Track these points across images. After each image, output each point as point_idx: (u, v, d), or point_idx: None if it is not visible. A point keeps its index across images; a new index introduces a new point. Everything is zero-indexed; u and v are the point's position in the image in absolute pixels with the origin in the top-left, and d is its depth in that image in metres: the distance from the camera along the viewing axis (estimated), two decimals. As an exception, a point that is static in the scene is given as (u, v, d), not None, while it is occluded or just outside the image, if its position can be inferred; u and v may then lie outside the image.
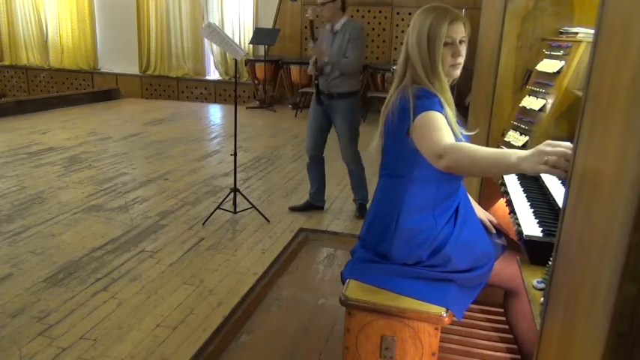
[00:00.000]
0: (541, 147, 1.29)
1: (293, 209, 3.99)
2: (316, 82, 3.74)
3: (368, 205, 3.82)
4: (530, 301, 1.44)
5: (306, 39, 8.87)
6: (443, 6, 1.71)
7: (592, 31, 1.04)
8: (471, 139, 1.76)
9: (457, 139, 1.65)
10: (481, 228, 1.83)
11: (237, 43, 3.62)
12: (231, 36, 7.80)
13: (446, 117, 1.63)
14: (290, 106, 8.64)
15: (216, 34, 3.61)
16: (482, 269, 1.73)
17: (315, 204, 3.99)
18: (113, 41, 9.81)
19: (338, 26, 3.65)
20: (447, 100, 1.69)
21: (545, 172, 1.29)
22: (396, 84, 1.76)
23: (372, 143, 1.84)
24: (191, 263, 3.11)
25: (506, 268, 1.79)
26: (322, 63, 3.66)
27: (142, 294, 2.73)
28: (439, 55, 1.67)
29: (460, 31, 1.69)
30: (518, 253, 1.79)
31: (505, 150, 1.44)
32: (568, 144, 1.25)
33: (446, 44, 1.67)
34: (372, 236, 1.81)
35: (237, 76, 4.06)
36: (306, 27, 3.96)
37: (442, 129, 1.56)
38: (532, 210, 1.79)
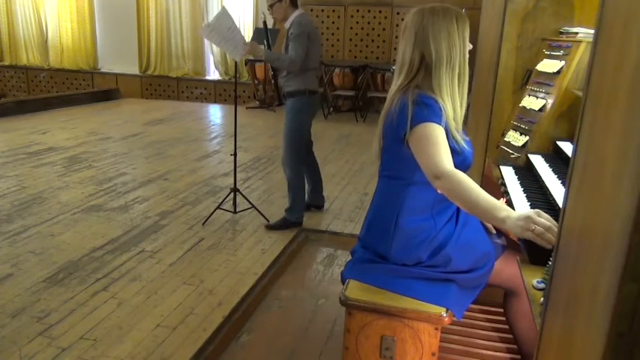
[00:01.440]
0: (531, 214, 1.38)
1: None
2: (272, 81, 3.68)
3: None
4: (530, 301, 1.44)
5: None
6: (452, 7, 1.70)
7: (592, 31, 1.04)
8: (472, 142, 1.76)
9: (459, 146, 1.65)
10: (481, 228, 1.83)
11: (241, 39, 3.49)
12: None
13: (446, 125, 1.62)
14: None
15: (217, 33, 3.55)
16: (483, 270, 1.73)
17: (313, 203, 3.98)
18: (113, 41, 9.82)
19: (287, 24, 3.53)
20: (462, 102, 1.69)
21: (529, 239, 1.38)
22: (399, 86, 1.71)
23: (373, 144, 1.83)
24: (191, 263, 3.11)
25: (506, 268, 1.79)
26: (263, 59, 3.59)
27: (142, 294, 2.73)
28: (467, 56, 1.68)
29: None
30: (518, 253, 1.79)
31: (498, 202, 1.49)
32: (553, 221, 1.37)
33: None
34: (371, 237, 1.81)
35: (237, 76, 4.05)
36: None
37: (441, 147, 1.56)
38: (532, 210, 1.79)
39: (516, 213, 1.42)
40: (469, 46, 1.73)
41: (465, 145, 1.68)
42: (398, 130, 1.64)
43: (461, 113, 1.69)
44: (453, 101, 1.67)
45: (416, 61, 1.67)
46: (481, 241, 1.77)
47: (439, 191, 1.55)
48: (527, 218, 1.37)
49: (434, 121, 1.59)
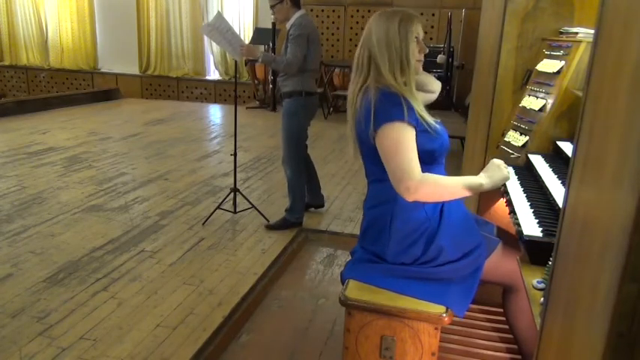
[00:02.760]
0: (495, 161, 1.80)
1: None
2: (271, 86, 3.68)
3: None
4: (530, 301, 1.44)
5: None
6: (400, 9, 1.78)
7: (592, 31, 1.04)
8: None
9: (430, 127, 1.68)
10: (465, 211, 1.84)
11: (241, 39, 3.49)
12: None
13: (412, 113, 1.65)
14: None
15: (217, 32, 3.56)
16: (474, 254, 1.73)
17: (311, 203, 3.97)
18: (113, 41, 9.81)
19: (288, 25, 3.51)
20: (414, 93, 1.73)
21: (505, 179, 1.78)
22: (358, 86, 1.77)
23: (348, 147, 1.86)
24: (191, 263, 3.11)
25: (503, 264, 1.79)
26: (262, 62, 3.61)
27: (142, 294, 2.73)
28: (411, 50, 1.73)
29: (422, 30, 1.79)
30: (517, 252, 1.79)
31: (468, 177, 1.74)
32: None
33: (415, 41, 1.75)
34: (368, 241, 1.81)
35: (237, 76, 4.05)
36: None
37: (406, 152, 1.61)
38: (532, 210, 1.79)
39: (483, 174, 1.76)
40: (424, 49, 1.78)
41: (437, 125, 1.72)
42: (367, 130, 1.68)
43: (418, 101, 1.72)
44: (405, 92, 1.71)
45: (365, 60, 1.75)
46: (467, 224, 1.79)
47: (410, 199, 1.62)
48: (496, 164, 1.78)
49: (397, 119, 1.63)
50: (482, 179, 1.74)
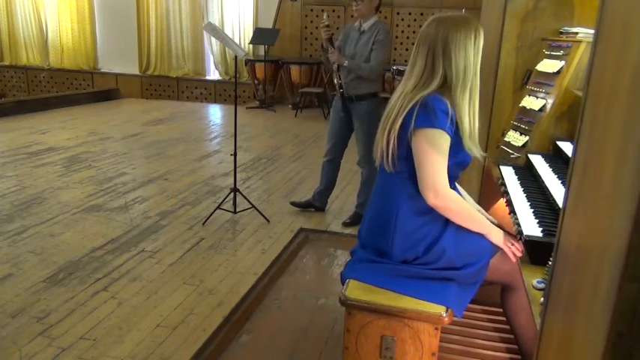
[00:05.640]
0: (507, 234, 1.76)
1: (294, 204, 4.00)
2: (341, 90, 3.70)
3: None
4: (530, 302, 1.44)
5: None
6: (471, 18, 1.72)
7: (592, 31, 1.04)
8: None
9: (460, 142, 1.66)
10: None
11: (237, 43, 3.58)
12: (231, 36, 7.80)
13: (453, 125, 1.62)
14: (290, 106, 8.64)
15: (218, 32, 3.65)
16: (477, 265, 1.73)
17: (315, 204, 3.98)
18: (113, 41, 9.81)
19: (366, 26, 3.56)
20: (474, 115, 1.70)
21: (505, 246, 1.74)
22: (414, 90, 1.69)
23: (377, 148, 1.80)
24: (191, 263, 3.11)
25: (503, 265, 1.79)
26: (341, 65, 3.61)
27: (142, 294, 2.73)
28: (478, 70, 1.71)
29: None
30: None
31: (483, 219, 1.76)
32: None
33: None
34: (371, 233, 1.81)
35: (237, 76, 4.06)
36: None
37: (440, 160, 1.61)
38: (532, 210, 1.79)
39: (497, 229, 1.75)
40: None
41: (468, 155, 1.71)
42: (404, 127, 1.66)
43: (475, 126, 1.70)
44: (467, 115, 1.68)
45: (439, 74, 1.68)
46: (475, 235, 1.77)
47: (430, 203, 1.63)
48: (507, 236, 1.74)
49: (440, 127, 1.61)
50: (494, 230, 1.74)
